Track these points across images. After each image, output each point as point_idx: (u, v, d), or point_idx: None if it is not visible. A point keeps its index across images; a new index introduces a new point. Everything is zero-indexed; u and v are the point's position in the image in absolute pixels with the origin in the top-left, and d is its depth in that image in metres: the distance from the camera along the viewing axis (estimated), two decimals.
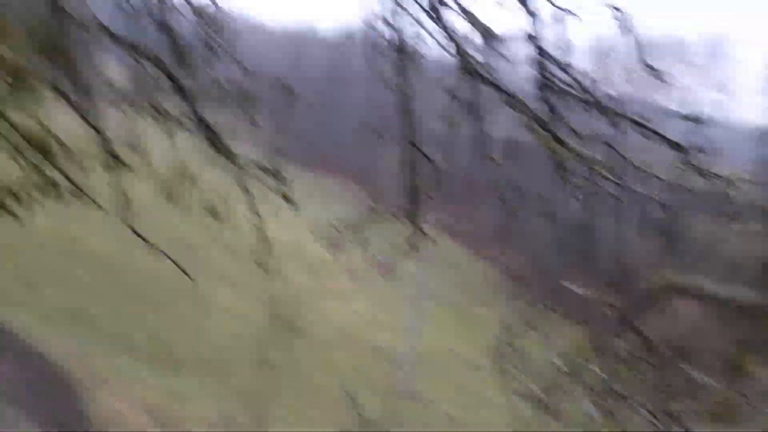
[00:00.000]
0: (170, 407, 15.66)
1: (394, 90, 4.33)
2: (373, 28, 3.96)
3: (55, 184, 2.80)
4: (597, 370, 4.98)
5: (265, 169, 4.08)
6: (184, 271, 4.72)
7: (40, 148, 2.67)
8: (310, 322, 25.93)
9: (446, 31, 3.50)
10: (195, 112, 3.80)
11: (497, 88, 3.64)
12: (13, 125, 2.58)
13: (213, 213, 3.73)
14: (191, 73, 3.78)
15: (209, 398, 17.26)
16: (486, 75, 3.58)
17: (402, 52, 3.96)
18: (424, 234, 5.10)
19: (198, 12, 3.74)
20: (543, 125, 3.53)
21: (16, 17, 2.66)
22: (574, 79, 3.49)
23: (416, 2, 3.60)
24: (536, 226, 40.81)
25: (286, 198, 4.36)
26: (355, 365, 23.74)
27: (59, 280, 20.61)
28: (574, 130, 3.63)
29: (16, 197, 2.64)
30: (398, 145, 4.76)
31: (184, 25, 3.82)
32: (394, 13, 3.81)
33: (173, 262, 4.14)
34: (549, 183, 4.42)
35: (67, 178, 2.99)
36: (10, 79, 2.43)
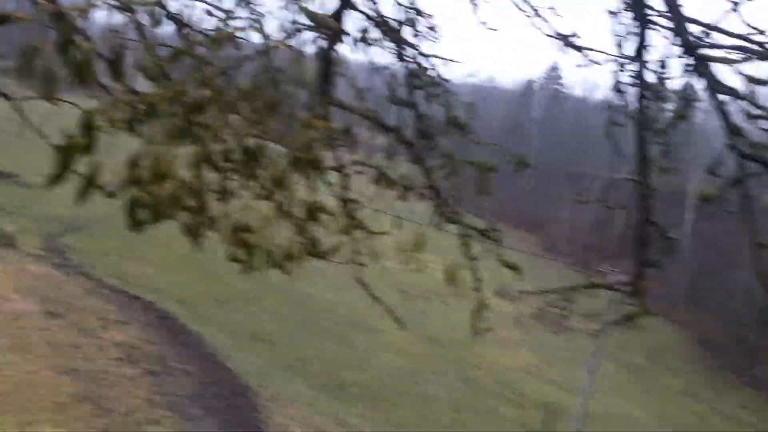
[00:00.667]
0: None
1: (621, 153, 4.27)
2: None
3: (317, 245, 3.22)
4: None
5: (485, 234, 4.30)
6: (397, 320, 5.07)
7: (311, 215, 3.10)
8: (472, 366, 25.62)
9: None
10: (431, 180, 4.12)
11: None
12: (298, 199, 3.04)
13: (450, 277, 3.98)
14: (430, 144, 4.10)
15: (371, 427, 17.72)
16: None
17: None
18: (648, 311, 4.95)
19: (435, 83, 4.04)
20: None
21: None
22: None
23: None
24: (731, 289, 36.66)
25: (510, 266, 4.54)
26: (516, 416, 22.83)
27: (248, 304, 22.69)
28: None
29: (290, 258, 3.08)
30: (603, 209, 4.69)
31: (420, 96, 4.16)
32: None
33: (390, 312, 4.46)
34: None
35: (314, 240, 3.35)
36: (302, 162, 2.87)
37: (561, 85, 67.75)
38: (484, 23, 5.07)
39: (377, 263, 4.21)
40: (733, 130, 3.01)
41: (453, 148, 4.06)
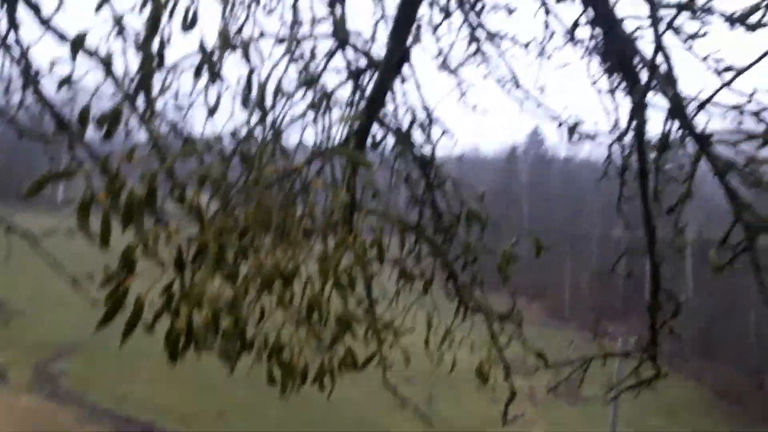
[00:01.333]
0: None
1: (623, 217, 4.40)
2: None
3: (352, 357, 3.25)
4: None
5: (507, 318, 4.36)
6: (426, 420, 4.97)
7: (344, 327, 3.15)
8: None
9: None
10: (453, 274, 4.21)
11: None
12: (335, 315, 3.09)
13: (480, 375, 4.01)
14: (450, 238, 4.21)
15: None
16: None
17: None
18: (664, 374, 5.00)
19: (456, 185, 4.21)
20: None
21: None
22: None
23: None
24: (742, 333, 36.22)
25: (541, 356, 4.58)
26: None
27: (250, 414, 21.98)
28: None
29: (326, 372, 3.11)
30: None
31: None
32: None
33: (418, 410, 4.41)
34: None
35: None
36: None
37: (545, 148, 69.36)
38: (474, 107, 5.32)
39: (406, 364, 4.22)
40: (740, 206, 3.12)
41: (471, 241, 4.15)
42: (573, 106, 4.81)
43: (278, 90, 3.06)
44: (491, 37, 4.90)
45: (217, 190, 2.59)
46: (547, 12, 4.75)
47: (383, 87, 3.13)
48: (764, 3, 2.73)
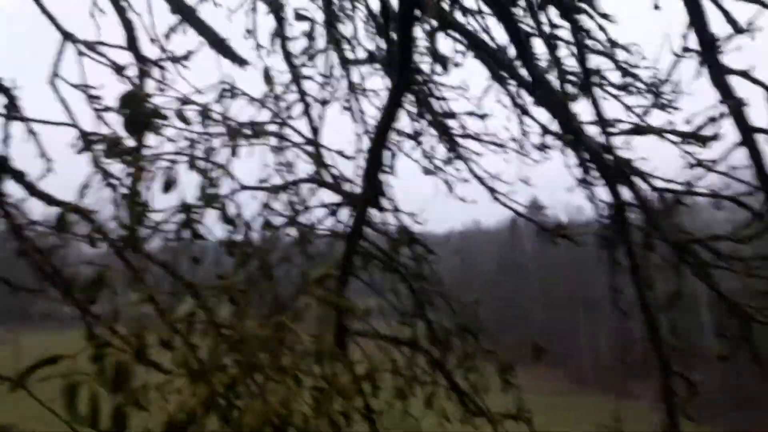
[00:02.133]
0: None
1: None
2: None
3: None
4: None
5: (515, 418, 4.32)
6: None
7: None
8: None
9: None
10: (453, 382, 4.20)
11: None
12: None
13: None
14: (446, 348, 4.25)
15: None
16: None
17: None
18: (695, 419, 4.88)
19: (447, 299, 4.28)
20: None
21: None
22: None
23: None
24: None
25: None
26: None
27: None
28: None
29: None
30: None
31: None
32: None
33: None
34: None
35: None
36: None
37: (545, 215, 69.55)
38: (462, 199, 5.43)
39: None
40: (730, 305, 3.15)
41: (469, 350, 4.15)
42: (558, 196, 4.92)
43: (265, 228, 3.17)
44: (468, 137, 5.09)
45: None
46: (524, 112, 4.96)
47: (361, 221, 3.24)
48: (707, 122, 2.86)
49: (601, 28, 3.96)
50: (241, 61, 3.59)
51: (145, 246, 2.80)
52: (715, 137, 2.92)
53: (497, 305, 52.53)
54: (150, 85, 3.07)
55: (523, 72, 3.73)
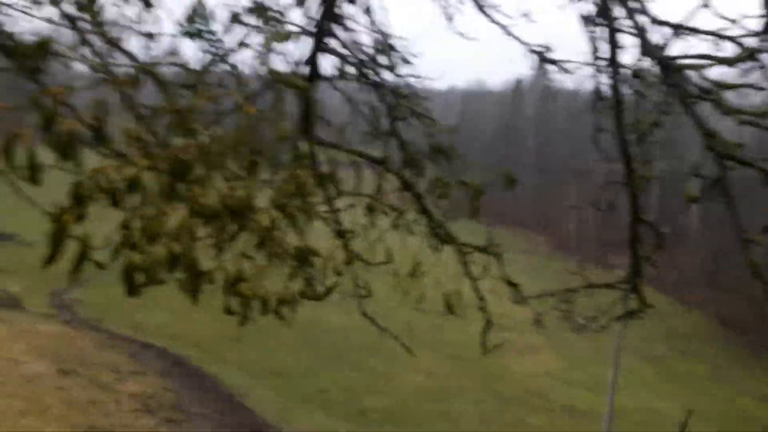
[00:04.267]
0: None
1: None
2: None
3: (311, 288, 3.26)
4: None
5: (485, 251, 4.37)
6: (407, 348, 5.12)
7: (302, 259, 3.14)
8: (497, 378, 25.40)
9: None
10: (423, 207, 4.19)
11: None
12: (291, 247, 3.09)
13: (447, 307, 4.05)
14: (417, 171, 4.17)
15: None
16: None
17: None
18: (649, 306, 5.04)
19: (422, 118, 4.14)
20: None
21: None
22: None
23: None
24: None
25: (511, 284, 4.62)
26: (545, 423, 22.60)
27: (263, 339, 22.63)
28: None
29: (285, 303, 3.12)
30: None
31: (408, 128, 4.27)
32: None
33: (398, 340, 4.52)
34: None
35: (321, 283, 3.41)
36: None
37: (551, 80, 67.67)
38: (461, 34, 5.13)
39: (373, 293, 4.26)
40: (708, 133, 3.04)
41: (440, 173, 4.11)
42: (556, 38, 4.64)
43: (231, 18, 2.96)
44: None
45: (150, 120, 2.53)
46: None
47: (328, 11, 3.00)
48: None
49: None
50: None
51: (99, 15, 2.61)
52: None
53: (493, 167, 52.68)
54: None
55: None
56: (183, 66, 2.82)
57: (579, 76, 4.42)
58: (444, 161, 3.94)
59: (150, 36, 2.69)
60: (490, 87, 76.48)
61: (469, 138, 53.75)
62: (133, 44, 2.80)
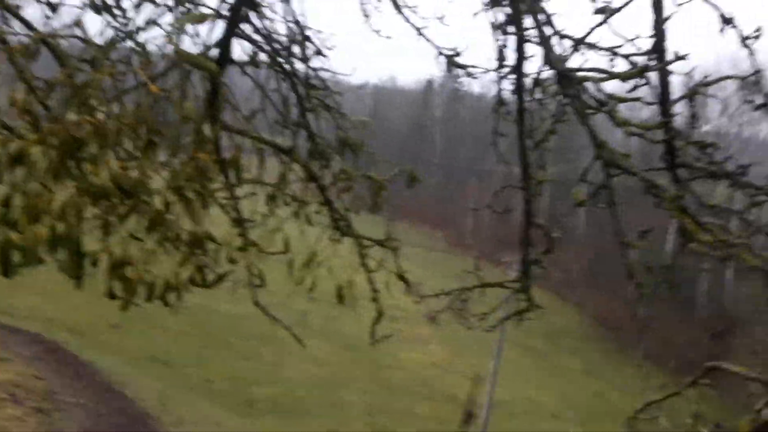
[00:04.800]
0: None
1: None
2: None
3: (201, 275, 3.13)
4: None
5: (383, 244, 4.37)
6: (297, 339, 5.09)
7: (195, 244, 3.01)
8: (387, 367, 25.91)
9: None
10: (326, 198, 4.15)
11: None
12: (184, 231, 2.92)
13: (339, 297, 4.04)
14: (323, 163, 4.17)
15: None
16: None
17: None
18: (537, 306, 5.26)
19: (332, 111, 4.10)
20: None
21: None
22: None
23: None
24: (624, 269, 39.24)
25: (402, 279, 4.67)
26: (430, 412, 23.36)
27: (146, 326, 21.64)
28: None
29: (173, 289, 2.97)
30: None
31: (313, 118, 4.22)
32: None
33: (289, 331, 4.47)
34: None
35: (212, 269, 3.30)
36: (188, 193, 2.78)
37: (460, 83, 69.42)
38: (377, 32, 5.14)
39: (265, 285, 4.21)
40: (598, 143, 3.25)
41: (347, 166, 4.12)
42: (467, 42, 4.75)
43: None
44: None
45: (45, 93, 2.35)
46: None
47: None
48: None
49: None
50: None
51: None
52: None
53: (400, 165, 53.30)
54: None
55: None
56: (85, 40, 2.63)
57: (486, 80, 4.58)
58: (351, 155, 3.95)
59: (51, 6, 2.49)
60: (401, 84, 77.42)
61: (379, 134, 54.26)
62: (33, 13, 2.58)
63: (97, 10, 2.86)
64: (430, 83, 68.38)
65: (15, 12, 2.74)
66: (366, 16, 4.88)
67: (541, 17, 3.73)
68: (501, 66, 4.22)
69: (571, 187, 4.33)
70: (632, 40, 3.54)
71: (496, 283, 5.35)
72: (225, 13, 2.97)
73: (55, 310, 20.57)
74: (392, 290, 4.71)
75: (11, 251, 2.54)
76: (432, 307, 5.86)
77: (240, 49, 3.35)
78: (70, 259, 2.70)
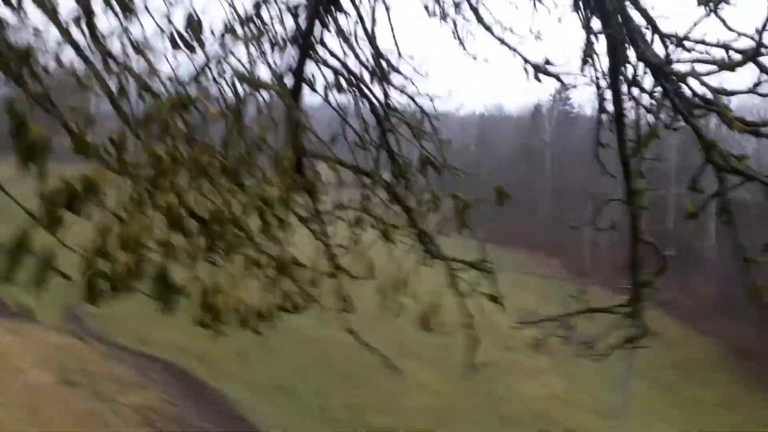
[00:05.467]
0: None
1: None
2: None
3: (290, 301, 3.16)
4: None
5: (474, 267, 4.24)
6: (393, 368, 4.98)
7: (281, 269, 3.04)
8: (502, 399, 25.00)
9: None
10: (412, 220, 4.09)
11: None
12: (269, 256, 2.99)
13: (424, 323, 3.93)
14: (408, 185, 4.11)
15: None
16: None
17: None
18: (651, 332, 4.84)
19: (414, 129, 4.08)
20: None
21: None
22: None
23: None
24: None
25: (495, 299, 4.47)
26: None
27: (269, 355, 22.43)
28: None
29: (261, 316, 3.02)
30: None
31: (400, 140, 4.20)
32: None
33: (383, 356, 4.35)
34: None
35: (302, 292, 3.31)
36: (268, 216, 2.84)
37: (570, 105, 67.22)
38: (474, 57, 5.03)
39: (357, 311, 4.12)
40: (708, 145, 2.91)
41: (431, 186, 4.00)
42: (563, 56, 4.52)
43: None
44: None
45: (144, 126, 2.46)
46: None
47: (315, 20, 2.94)
48: None
49: None
50: None
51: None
52: None
53: (508, 190, 52.29)
54: None
55: None
56: (173, 80, 2.75)
57: (593, 100, 4.29)
58: (435, 174, 3.83)
59: (136, 47, 2.62)
60: (508, 112, 76.45)
61: (485, 162, 53.70)
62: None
63: (175, 45, 2.97)
64: (537, 108, 66.94)
65: (108, 51, 2.91)
66: (459, 40, 4.77)
67: (633, 13, 3.47)
68: (585, 63, 3.96)
69: (637, 194, 3.94)
70: (740, 34, 3.20)
71: (603, 308, 4.94)
72: (299, 38, 3.01)
73: (185, 340, 21.87)
74: (505, 319, 4.47)
75: (98, 279, 2.64)
76: (538, 339, 5.53)
77: (318, 74, 3.38)
78: (159, 287, 2.78)
